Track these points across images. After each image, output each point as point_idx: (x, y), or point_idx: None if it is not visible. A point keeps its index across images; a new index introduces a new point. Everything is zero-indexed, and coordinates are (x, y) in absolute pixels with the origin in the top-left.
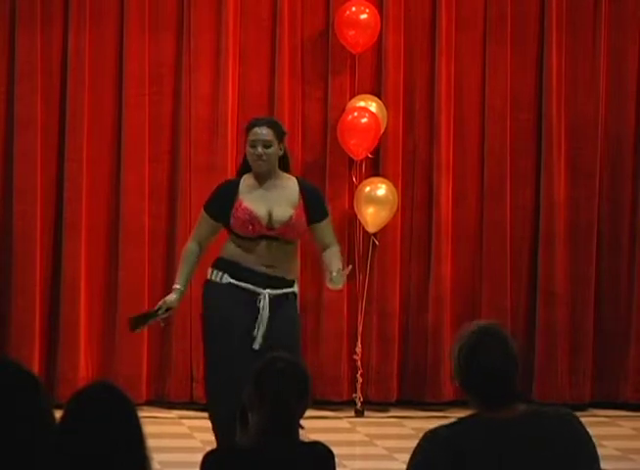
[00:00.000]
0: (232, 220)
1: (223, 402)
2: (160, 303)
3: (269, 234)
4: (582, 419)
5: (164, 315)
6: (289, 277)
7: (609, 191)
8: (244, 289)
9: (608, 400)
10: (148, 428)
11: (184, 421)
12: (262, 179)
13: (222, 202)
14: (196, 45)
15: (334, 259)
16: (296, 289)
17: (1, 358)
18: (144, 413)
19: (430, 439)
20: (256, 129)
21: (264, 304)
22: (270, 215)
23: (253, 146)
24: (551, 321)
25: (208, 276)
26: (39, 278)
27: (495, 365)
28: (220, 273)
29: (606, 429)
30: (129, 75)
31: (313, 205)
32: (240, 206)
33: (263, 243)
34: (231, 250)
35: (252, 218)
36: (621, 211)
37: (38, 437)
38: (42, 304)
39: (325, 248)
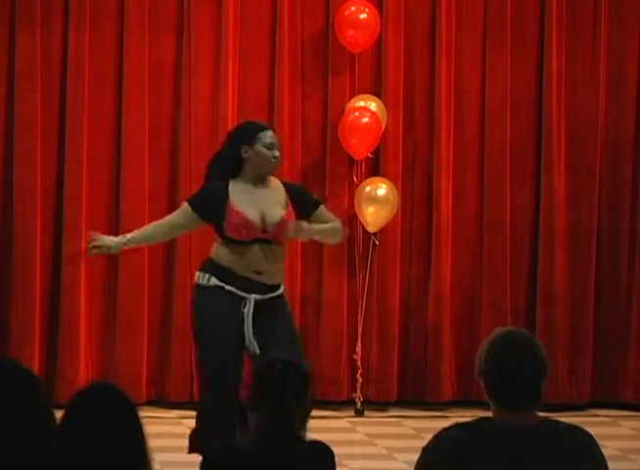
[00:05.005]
0: (226, 226)
1: (213, 402)
2: (97, 239)
3: (263, 237)
4: (582, 419)
5: (95, 249)
6: (275, 282)
7: (609, 191)
8: (229, 292)
9: (608, 401)
10: (148, 428)
11: (184, 421)
12: (258, 182)
13: (213, 203)
14: (196, 45)
15: (323, 225)
16: (281, 290)
17: (0, 358)
18: (144, 413)
19: (438, 438)
20: (272, 133)
21: (249, 308)
22: (263, 217)
23: (272, 148)
24: (551, 321)
25: (196, 279)
26: (39, 278)
27: (523, 367)
28: (207, 275)
29: (606, 429)
30: (129, 75)
31: (300, 199)
32: (232, 210)
33: (256, 247)
34: (221, 253)
35: (247, 223)
36: (621, 211)
37: (38, 437)
38: (42, 304)
39: None
